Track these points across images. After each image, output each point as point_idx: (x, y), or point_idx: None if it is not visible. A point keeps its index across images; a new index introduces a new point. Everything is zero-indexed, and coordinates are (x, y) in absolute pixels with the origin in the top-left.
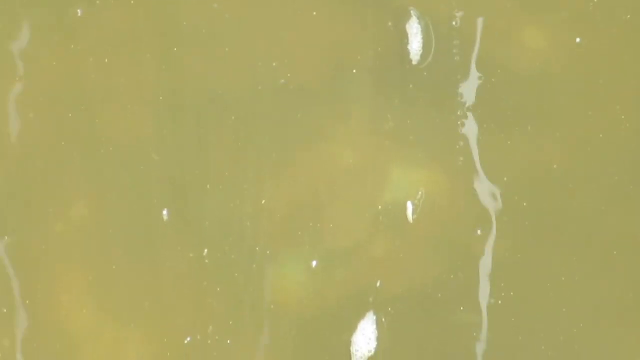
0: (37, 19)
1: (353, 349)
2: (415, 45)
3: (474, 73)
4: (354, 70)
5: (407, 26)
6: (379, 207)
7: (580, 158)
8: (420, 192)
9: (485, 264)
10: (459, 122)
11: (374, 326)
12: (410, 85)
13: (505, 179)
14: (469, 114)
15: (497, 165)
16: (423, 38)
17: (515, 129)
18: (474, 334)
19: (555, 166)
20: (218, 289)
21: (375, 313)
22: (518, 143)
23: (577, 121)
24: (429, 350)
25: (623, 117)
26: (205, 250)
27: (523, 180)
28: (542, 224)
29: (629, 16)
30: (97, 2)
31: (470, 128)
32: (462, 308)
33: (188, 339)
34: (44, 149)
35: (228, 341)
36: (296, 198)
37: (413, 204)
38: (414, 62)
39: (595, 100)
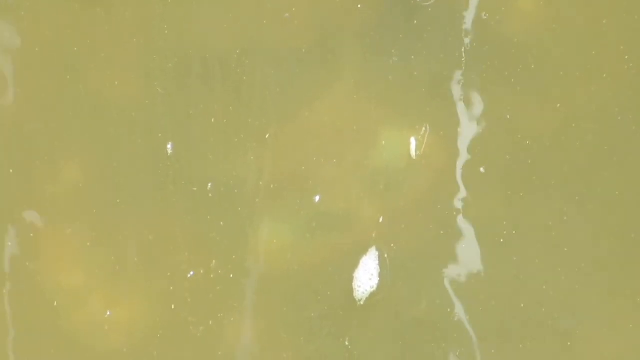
0: None
1: (355, 285)
2: None
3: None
4: (359, 5)
5: None
6: (383, 142)
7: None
8: (424, 128)
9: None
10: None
11: (377, 262)
12: (415, 21)
13: (508, 116)
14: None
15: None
16: None
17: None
18: (475, 271)
19: (558, 105)
20: (221, 223)
21: (377, 249)
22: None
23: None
24: (431, 287)
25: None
26: (210, 184)
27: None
28: (542, 164)
29: None
30: None
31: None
32: (464, 246)
33: (191, 273)
34: (41, 102)
35: (231, 275)
36: (301, 132)
37: (417, 140)
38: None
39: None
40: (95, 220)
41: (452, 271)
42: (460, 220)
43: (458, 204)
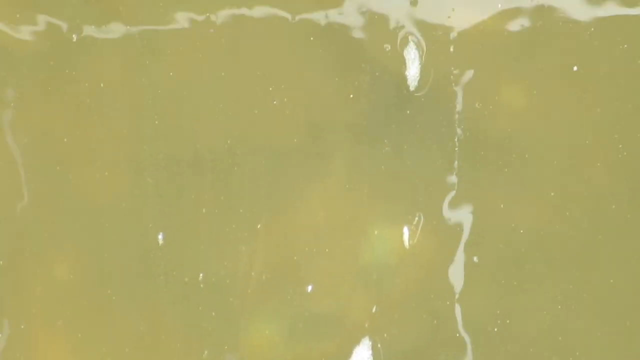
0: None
1: None
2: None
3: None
4: (351, 95)
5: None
6: (375, 232)
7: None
8: (417, 217)
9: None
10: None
11: (370, 352)
12: (408, 111)
13: (502, 205)
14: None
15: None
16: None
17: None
18: None
19: (552, 194)
20: (213, 314)
21: (370, 339)
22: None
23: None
24: None
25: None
26: (201, 274)
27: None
28: (536, 253)
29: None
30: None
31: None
32: (457, 335)
33: None
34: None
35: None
36: (292, 222)
37: (410, 230)
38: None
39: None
40: (85, 311)
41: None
42: (454, 309)
43: (451, 293)
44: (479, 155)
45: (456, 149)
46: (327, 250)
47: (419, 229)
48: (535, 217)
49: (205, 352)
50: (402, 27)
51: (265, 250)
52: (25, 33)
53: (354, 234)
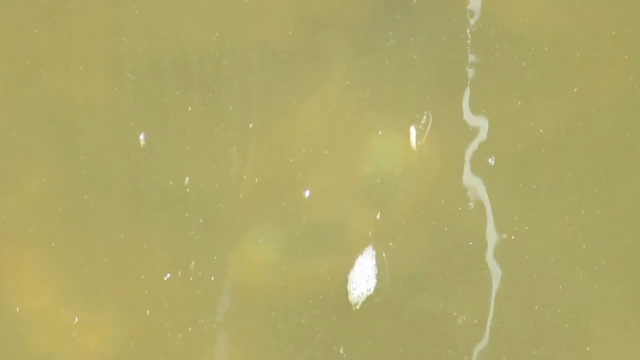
0: None
1: (350, 287)
2: None
3: None
4: None
5: None
6: (379, 132)
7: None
8: (425, 117)
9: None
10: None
11: (374, 263)
12: (414, 0)
13: (519, 103)
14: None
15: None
16: None
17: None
18: (484, 271)
19: (575, 89)
20: (201, 221)
21: (374, 248)
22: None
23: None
24: (434, 289)
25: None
26: (187, 178)
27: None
28: (557, 154)
29: None
30: None
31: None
32: (470, 243)
33: (168, 275)
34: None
35: (212, 277)
36: (288, 120)
37: (417, 130)
38: None
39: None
40: (60, 218)
41: (457, 272)
42: (468, 215)
43: (464, 197)
44: (494, 48)
45: (468, 41)
46: (325, 152)
47: (428, 129)
48: (556, 116)
49: (192, 263)
50: None
51: (258, 152)
52: None
53: (355, 134)
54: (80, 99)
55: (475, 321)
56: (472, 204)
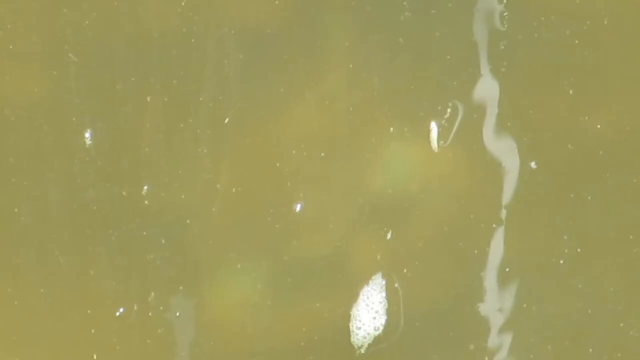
0: None
1: (354, 326)
2: None
3: None
4: None
5: None
6: (391, 129)
7: None
8: (449, 109)
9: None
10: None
11: (383, 294)
12: None
13: (571, 92)
14: None
15: None
16: None
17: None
18: (522, 306)
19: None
20: (163, 241)
21: (384, 276)
22: None
23: None
24: (460, 329)
25: None
26: (145, 187)
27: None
28: (614, 155)
29: None
30: None
31: None
32: (507, 269)
33: (121, 310)
34: None
35: (177, 313)
36: (274, 113)
37: (439, 125)
38: None
39: None
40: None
41: (487, 305)
42: (498, 238)
43: (497, 213)
44: (538, 22)
45: (505, 13)
46: (322, 154)
47: (455, 127)
48: (617, 108)
49: (152, 294)
50: None
51: (235, 154)
52: None
53: (360, 132)
54: (8, 87)
55: None
56: (503, 224)
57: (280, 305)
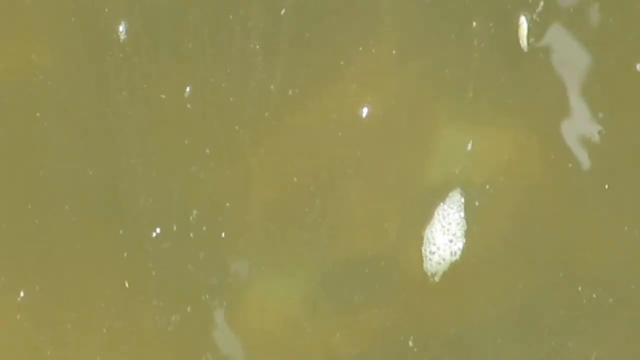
0: None
1: (427, 250)
2: None
3: None
4: None
5: None
6: (474, 23)
7: None
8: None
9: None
10: None
11: (461, 214)
12: None
13: None
14: None
15: None
16: None
17: None
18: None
19: None
20: (207, 151)
21: (463, 192)
22: None
23: None
24: (548, 251)
25: None
26: (188, 88)
27: None
28: None
29: None
30: None
31: None
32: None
33: (158, 230)
34: None
35: (223, 234)
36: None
37: (529, 22)
38: None
39: None
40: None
41: (579, 220)
42: (594, 141)
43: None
44: None
45: None
46: (393, 52)
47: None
48: None
49: (194, 212)
50: None
51: (293, 50)
52: None
53: (439, 27)
54: None
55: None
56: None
57: (342, 227)
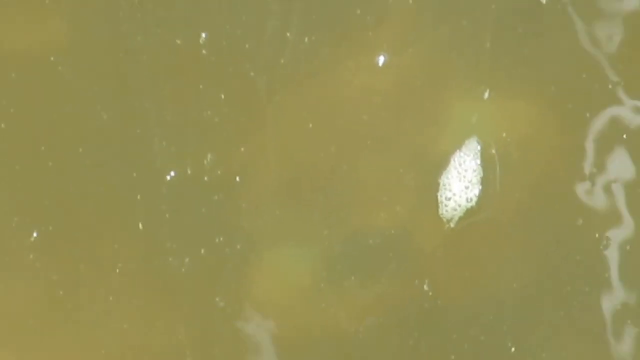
0: None
1: (443, 196)
2: None
3: None
4: None
5: None
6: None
7: None
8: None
9: None
10: None
11: (478, 161)
12: None
13: None
14: None
15: None
16: None
17: None
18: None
19: None
20: (222, 97)
21: (479, 140)
22: None
23: None
24: (562, 200)
25: None
26: (203, 35)
27: None
28: None
29: None
30: None
31: None
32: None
33: (172, 173)
34: None
35: (237, 178)
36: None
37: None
38: None
39: None
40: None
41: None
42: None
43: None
44: None
45: None
46: (410, 1)
47: None
48: None
49: (209, 155)
50: None
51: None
52: None
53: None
54: None
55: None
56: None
57: (358, 170)
